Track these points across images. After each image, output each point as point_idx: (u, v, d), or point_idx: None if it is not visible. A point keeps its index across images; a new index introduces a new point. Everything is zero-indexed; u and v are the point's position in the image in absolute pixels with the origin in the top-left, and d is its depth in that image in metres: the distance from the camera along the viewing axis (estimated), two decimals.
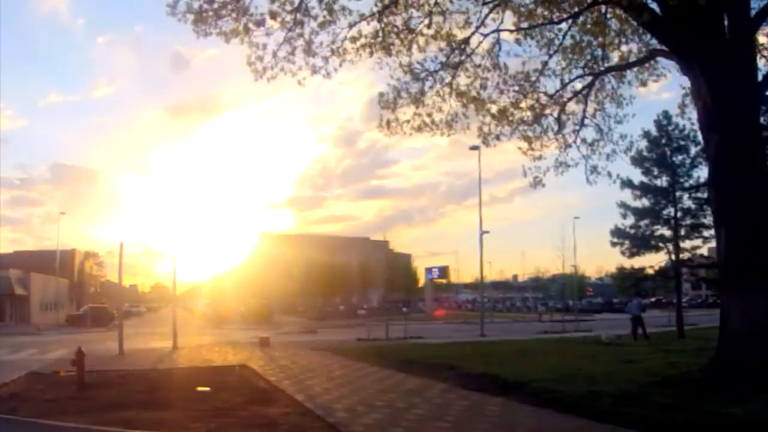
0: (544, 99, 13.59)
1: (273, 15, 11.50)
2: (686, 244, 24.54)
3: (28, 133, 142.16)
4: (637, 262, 26.77)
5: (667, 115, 23.93)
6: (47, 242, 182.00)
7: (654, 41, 12.52)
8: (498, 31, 12.73)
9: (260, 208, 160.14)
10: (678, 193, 24.15)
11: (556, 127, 13.74)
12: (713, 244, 16.24)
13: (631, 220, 25.07)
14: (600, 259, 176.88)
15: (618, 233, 25.29)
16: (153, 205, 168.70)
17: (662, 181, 24.32)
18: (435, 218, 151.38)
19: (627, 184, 24.06)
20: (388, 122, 13.36)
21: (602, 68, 13.32)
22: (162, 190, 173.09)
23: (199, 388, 11.05)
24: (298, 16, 11.63)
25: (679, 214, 24.10)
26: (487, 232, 36.28)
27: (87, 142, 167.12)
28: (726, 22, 10.83)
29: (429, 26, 12.41)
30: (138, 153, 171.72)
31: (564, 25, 12.78)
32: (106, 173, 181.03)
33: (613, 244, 25.51)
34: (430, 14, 12.29)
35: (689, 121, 18.14)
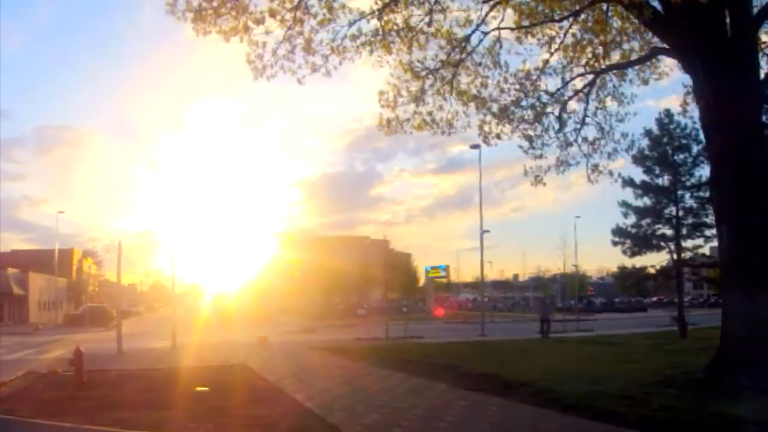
0: (545, 97, 13.54)
1: (272, 13, 11.47)
2: (688, 243, 24.59)
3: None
4: (639, 261, 26.79)
5: (668, 113, 23.92)
6: (35, 233, 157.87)
7: (655, 39, 12.47)
8: (499, 29, 12.70)
9: (283, 190, 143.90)
10: (679, 192, 24.13)
11: (557, 126, 13.69)
12: (715, 243, 16.13)
13: (632, 219, 25.08)
14: (601, 258, 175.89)
15: (619, 232, 25.25)
16: (158, 181, 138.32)
17: (664, 180, 24.30)
18: (501, 201, 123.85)
19: (628, 183, 24.05)
20: (388, 121, 13.31)
21: (603, 66, 13.26)
22: (168, 159, 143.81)
23: (198, 388, 10.98)
24: (298, 14, 11.59)
25: (680, 213, 24.09)
26: (487, 231, 36.06)
27: (77, 87, 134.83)
28: (728, 20, 10.78)
29: (429, 24, 12.36)
30: (145, 104, 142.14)
31: (565, 23, 12.74)
32: (105, 137, 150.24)
33: (615, 243, 25.53)
34: (430, 12, 12.25)
35: (691, 119, 18.22)
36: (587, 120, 13.77)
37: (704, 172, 23.20)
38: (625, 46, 13.36)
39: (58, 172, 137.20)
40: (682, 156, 23.92)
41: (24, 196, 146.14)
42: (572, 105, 13.81)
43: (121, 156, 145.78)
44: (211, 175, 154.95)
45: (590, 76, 13.39)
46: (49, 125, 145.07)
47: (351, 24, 11.91)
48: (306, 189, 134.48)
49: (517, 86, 13.32)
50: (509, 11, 12.50)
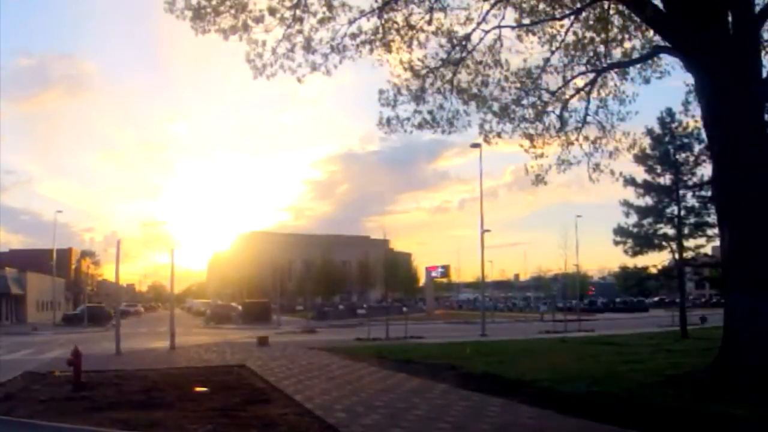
0: (546, 96, 13.47)
1: (272, 11, 11.43)
2: (690, 242, 24.34)
3: None
4: (640, 261, 26.56)
5: (670, 112, 23.71)
6: (23, 223, 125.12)
7: (657, 37, 12.40)
8: (499, 27, 12.65)
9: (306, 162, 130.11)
10: (681, 192, 23.92)
11: (558, 125, 13.62)
12: (717, 242, 16.06)
13: (634, 218, 24.88)
14: (603, 258, 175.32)
15: (621, 232, 25.08)
16: (168, 150, 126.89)
17: (666, 179, 24.09)
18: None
19: (630, 182, 23.85)
20: (389, 119, 13.25)
21: (605, 65, 13.20)
22: (182, 119, 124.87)
23: (197, 389, 10.94)
24: (298, 12, 11.56)
25: (682, 213, 23.90)
26: (488, 230, 35.85)
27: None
28: (730, 18, 10.71)
29: (429, 22, 12.33)
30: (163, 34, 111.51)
31: (566, 22, 12.71)
32: (106, 77, 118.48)
33: (616, 243, 25.29)
34: (430, 10, 12.22)
35: (693, 118, 18.08)
36: (588, 119, 13.73)
37: (706, 171, 23.02)
38: (627, 45, 13.34)
39: (45, 133, 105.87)
40: (684, 155, 23.74)
41: (6, 171, 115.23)
42: (573, 104, 13.78)
43: (126, 106, 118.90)
44: (239, 143, 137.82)
45: (591, 75, 13.33)
46: (32, 54, 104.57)
47: (351, 22, 11.88)
48: (352, 162, 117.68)
49: (518, 85, 13.27)
50: (510, 9, 12.48)
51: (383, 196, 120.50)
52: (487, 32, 12.65)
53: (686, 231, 24.00)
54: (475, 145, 27.56)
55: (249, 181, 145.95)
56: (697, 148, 23.51)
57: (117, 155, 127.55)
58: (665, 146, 23.86)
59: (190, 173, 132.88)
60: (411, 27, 12.30)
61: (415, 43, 12.52)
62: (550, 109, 13.61)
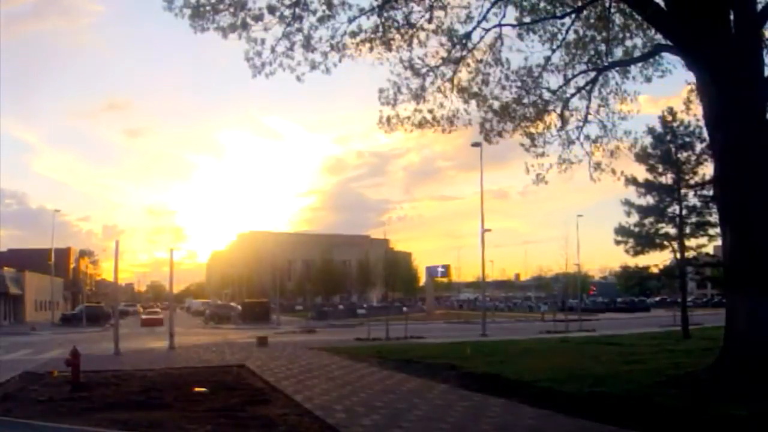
0: (546, 95, 13.44)
1: (271, 10, 11.38)
2: (691, 242, 24.23)
3: None
4: (642, 260, 26.44)
5: (672, 111, 23.63)
6: (8, 208, 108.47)
7: (659, 36, 12.34)
8: (500, 25, 12.61)
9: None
10: (683, 191, 23.80)
11: (559, 124, 13.59)
12: (719, 242, 15.98)
13: (635, 217, 24.76)
14: (604, 257, 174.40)
15: (622, 231, 24.97)
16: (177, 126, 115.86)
17: (667, 179, 23.98)
18: None
19: (631, 181, 23.72)
20: (389, 119, 13.19)
21: (606, 63, 13.15)
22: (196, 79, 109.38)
23: (197, 389, 10.89)
24: (297, 10, 11.51)
25: (684, 212, 23.79)
26: (489, 230, 35.71)
27: None
28: (732, 17, 10.65)
29: (430, 21, 12.30)
30: None
31: (567, 20, 12.67)
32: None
33: (617, 243, 25.18)
34: (431, 8, 12.17)
35: (694, 117, 18.02)
36: (589, 118, 13.69)
37: (708, 170, 22.89)
38: (628, 43, 13.29)
39: (29, 75, 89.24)
40: (685, 154, 23.62)
41: None
42: (574, 102, 13.73)
43: (136, 36, 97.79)
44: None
45: (592, 74, 13.28)
46: None
47: (351, 21, 11.83)
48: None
49: (519, 83, 13.23)
50: (511, 8, 12.45)
51: (441, 175, 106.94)
52: (487, 31, 12.63)
53: (688, 230, 23.89)
54: (476, 144, 27.49)
55: (280, 161, 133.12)
56: (698, 147, 23.42)
57: (121, 109, 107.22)
58: (667, 145, 23.76)
59: (223, 147, 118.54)
60: (411, 25, 12.26)
61: (415, 41, 12.48)
62: (551, 108, 13.56)
